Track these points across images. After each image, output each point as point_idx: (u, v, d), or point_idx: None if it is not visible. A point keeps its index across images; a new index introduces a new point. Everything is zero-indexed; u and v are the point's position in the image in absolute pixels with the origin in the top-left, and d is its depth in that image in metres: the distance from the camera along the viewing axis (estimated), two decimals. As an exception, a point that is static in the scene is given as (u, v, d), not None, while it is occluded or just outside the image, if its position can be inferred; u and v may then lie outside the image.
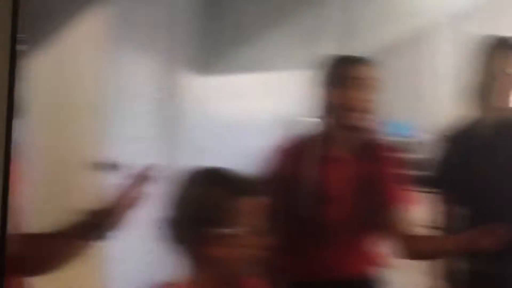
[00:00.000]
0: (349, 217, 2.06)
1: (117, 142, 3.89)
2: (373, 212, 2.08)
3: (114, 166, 3.77)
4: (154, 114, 4.23)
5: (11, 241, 1.36)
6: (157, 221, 4.68)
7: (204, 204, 1.34)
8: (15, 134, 2.34)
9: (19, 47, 1.30)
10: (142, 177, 1.56)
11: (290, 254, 2.10)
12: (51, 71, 4.54)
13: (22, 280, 1.47)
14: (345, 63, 2.10)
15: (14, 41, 1.30)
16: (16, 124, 2.90)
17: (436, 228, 2.31)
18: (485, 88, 2.27)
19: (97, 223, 1.56)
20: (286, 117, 5.84)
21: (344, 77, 2.05)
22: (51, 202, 4.84)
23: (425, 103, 8.24)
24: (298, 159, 2.10)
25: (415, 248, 2.06)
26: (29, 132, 3.25)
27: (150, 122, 4.22)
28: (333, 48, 4.99)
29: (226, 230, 1.33)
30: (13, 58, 1.31)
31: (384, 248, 2.18)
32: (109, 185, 3.77)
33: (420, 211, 2.18)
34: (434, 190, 2.24)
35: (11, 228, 1.37)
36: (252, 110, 5.14)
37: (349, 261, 2.11)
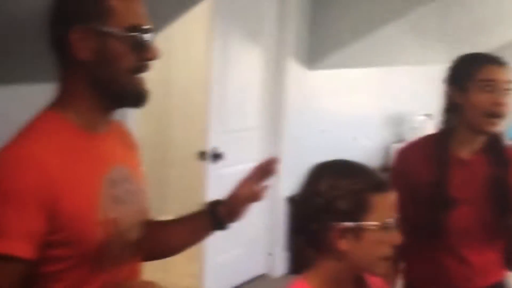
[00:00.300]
0: (475, 222, 1.93)
1: (223, 132, 3.90)
2: (500, 218, 1.94)
3: (219, 156, 3.79)
4: (260, 105, 4.21)
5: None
6: (273, 212, 4.62)
7: (336, 196, 1.29)
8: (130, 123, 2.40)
9: (147, 37, 1.31)
10: (265, 170, 1.53)
11: (412, 258, 2.01)
12: (159, 60, 4.58)
13: (140, 264, 1.50)
14: (476, 63, 1.95)
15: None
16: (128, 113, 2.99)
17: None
18: None
19: (220, 214, 1.54)
20: (397, 113, 5.69)
21: (474, 78, 1.91)
22: (157, 190, 4.97)
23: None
24: (421, 159, 1.99)
25: None
26: (138, 121, 3.33)
27: (257, 113, 4.20)
28: (451, 44, 4.78)
29: (356, 224, 1.27)
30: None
31: (505, 256, 2.04)
32: (214, 175, 3.85)
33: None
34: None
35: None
36: (361, 105, 5.03)
37: (472, 269, 1.97)
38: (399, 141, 5.37)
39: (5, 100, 2.55)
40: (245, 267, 4.26)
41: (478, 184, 1.96)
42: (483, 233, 1.97)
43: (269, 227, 4.32)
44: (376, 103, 5.25)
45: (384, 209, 1.30)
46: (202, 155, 3.82)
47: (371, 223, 1.28)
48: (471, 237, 1.96)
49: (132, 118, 3.16)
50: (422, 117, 5.44)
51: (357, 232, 1.28)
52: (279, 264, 4.38)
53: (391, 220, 1.30)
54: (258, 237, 4.32)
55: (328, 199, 1.29)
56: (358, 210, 1.28)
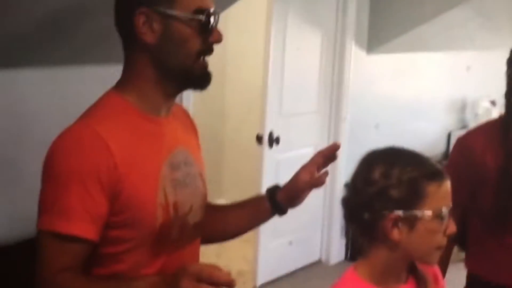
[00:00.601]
0: None
1: (280, 116, 3.86)
2: None
3: (276, 140, 3.76)
4: (319, 89, 4.15)
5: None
6: (331, 198, 4.56)
7: (389, 185, 1.24)
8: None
9: (212, 20, 1.32)
10: (327, 156, 1.51)
11: (477, 247, 1.96)
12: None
13: (199, 247, 1.51)
14: None
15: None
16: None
17: None
18: None
19: (279, 199, 1.53)
20: (461, 99, 5.52)
21: None
22: (213, 174, 4.98)
23: None
24: (485, 145, 1.90)
25: None
26: (195, 105, 3.33)
27: (315, 97, 4.15)
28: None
29: (410, 213, 1.24)
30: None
31: None
32: (270, 159, 3.83)
33: None
34: None
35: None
36: (422, 90, 4.90)
37: None
38: (462, 127, 5.21)
39: (74, 81, 2.60)
40: (300, 253, 4.23)
41: None
42: None
43: (326, 213, 4.29)
44: (438, 88, 5.10)
45: (439, 198, 1.26)
46: (259, 139, 3.80)
47: (425, 212, 1.25)
48: None
49: (189, 102, 3.16)
50: (486, 103, 5.25)
51: (410, 221, 1.25)
52: (335, 251, 4.34)
53: (445, 209, 1.26)
54: (314, 223, 4.28)
55: (381, 188, 1.26)
56: (412, 199, 1.25)
